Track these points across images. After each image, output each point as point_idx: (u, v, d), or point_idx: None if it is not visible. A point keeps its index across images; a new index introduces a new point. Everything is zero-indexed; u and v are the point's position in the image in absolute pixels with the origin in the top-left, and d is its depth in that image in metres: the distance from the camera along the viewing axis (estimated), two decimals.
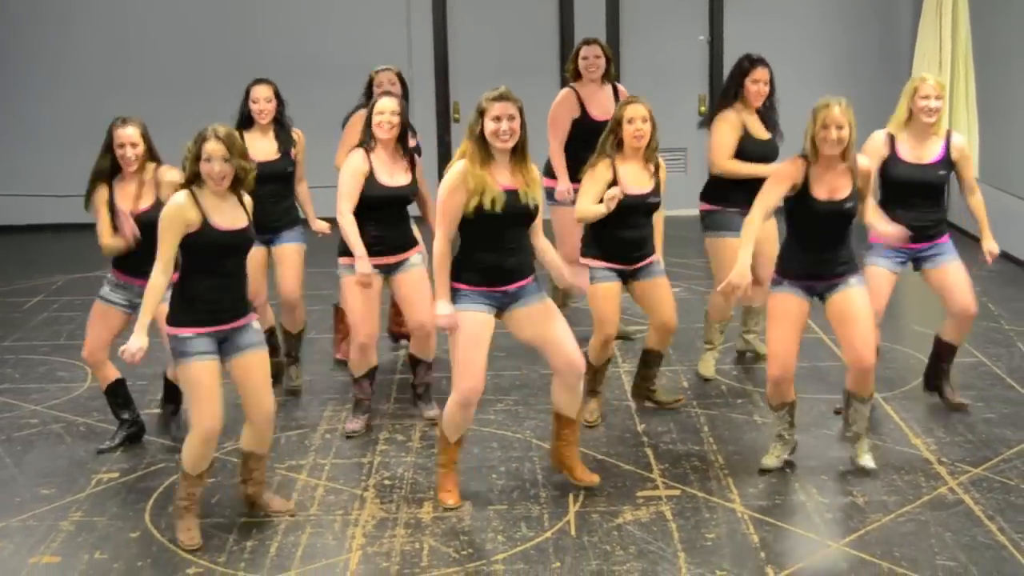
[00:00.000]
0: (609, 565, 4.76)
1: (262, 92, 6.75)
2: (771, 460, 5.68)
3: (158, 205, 5.57)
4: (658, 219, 6.22)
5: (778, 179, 5.41)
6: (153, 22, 11.81)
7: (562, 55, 11.83)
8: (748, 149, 6.62)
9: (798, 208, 5.42)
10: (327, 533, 5.10)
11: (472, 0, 11.94)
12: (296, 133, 6.90)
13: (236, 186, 4.99)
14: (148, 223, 5.49)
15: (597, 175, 6.00)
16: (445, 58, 11.83)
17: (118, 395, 6.21)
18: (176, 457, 5.54)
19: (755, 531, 5.03)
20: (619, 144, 6.02)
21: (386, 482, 5.62)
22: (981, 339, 7.57)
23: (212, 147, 4.86)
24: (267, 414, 5.12)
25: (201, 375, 4.90)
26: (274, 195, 6.63)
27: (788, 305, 5.48)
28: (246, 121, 6.75)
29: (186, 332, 4.94)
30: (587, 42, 7.48)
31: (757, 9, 11.78)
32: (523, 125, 5.16)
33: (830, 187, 5.37)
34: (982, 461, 5.68)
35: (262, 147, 6.67)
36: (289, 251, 6.80)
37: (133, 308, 5.98)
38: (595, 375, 6.29)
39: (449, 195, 5.12)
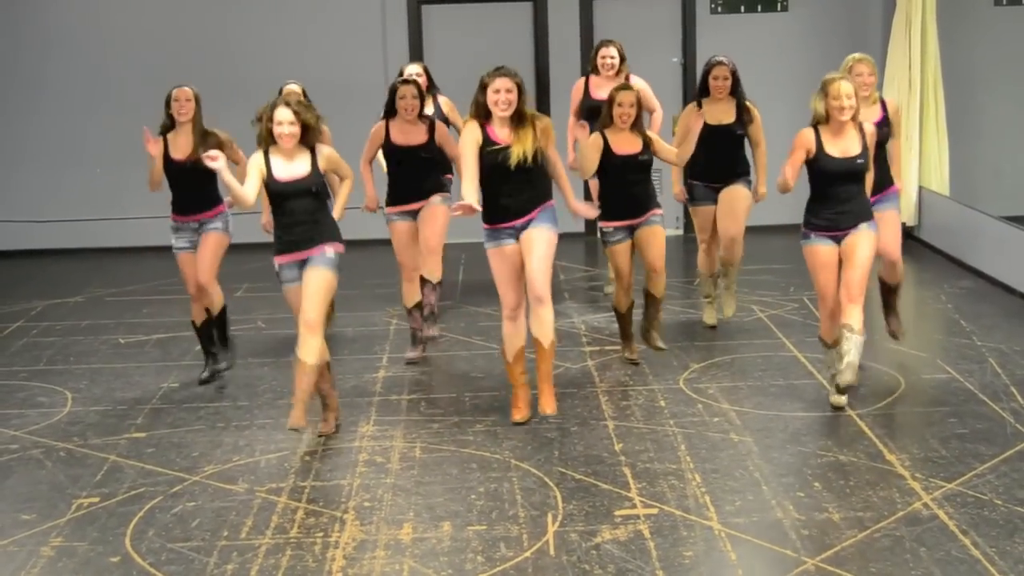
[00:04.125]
0: None
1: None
2: (840, 399, 6.70)
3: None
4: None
5: (797, 147, 6.55)
6: (132, 46, 11.83)
7: (536, 75, 11.93)
8: (705, 132, 7.62)
9: (815, 168, 6.53)
10: (307, 556, 5.12)
11: (447, 17, 12.02)
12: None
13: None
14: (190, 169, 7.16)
15: (593, 144, 7.28)
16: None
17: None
18: (153, 481, 5.53)
19: (732, 549, 5.08)
20: (611, 119, 7.33)
21: (366, 504, 5.64)
22: (954, 355, 7.66)
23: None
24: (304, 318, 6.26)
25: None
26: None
27: (820, 255, 6.57)
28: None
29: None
30: (605, 43, 9.07)
31: (729, 32, 11.89)
32: (522, 97, 6.41)
33: (842, 148, 6.49)
34: (956, 476, 5.75)
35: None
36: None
37: (195, 247, 7.34)
38: (620, 320, 7.65)
39: (461, 138, 6.53)
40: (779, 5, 12.01)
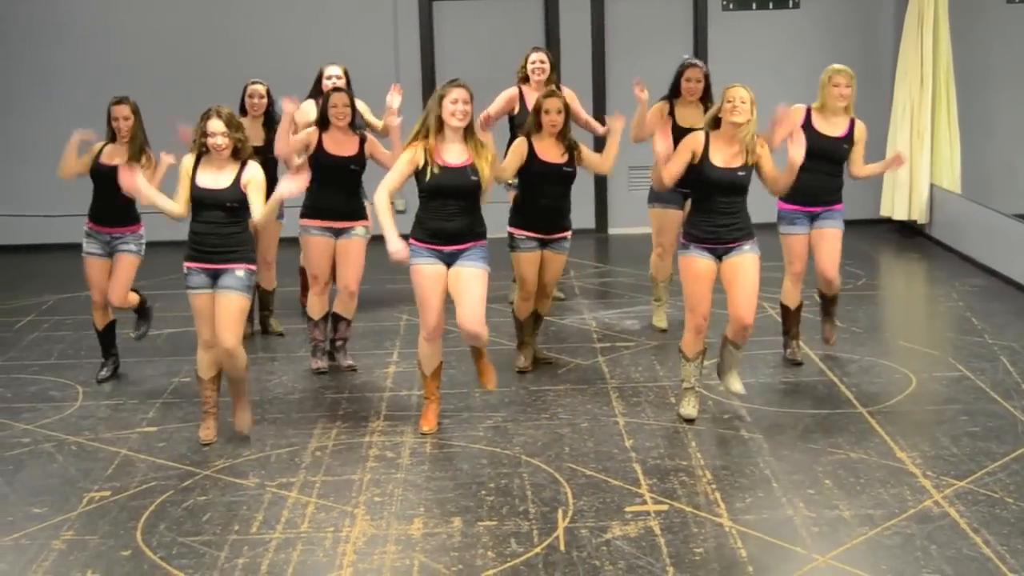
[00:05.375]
0: None
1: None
2: (692, 410, 6.54)
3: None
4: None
5: (683, 148, 6.38)
6: (141, 42, 11.84)
7: None
8: (675, 134, 7.25)
9: (699, 176, 6.31)
10: (318, 550, 5.13)
11: (459, 15, 12.02)
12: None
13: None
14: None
15: (517, 148, 7.13)
16: (432, 72, 11.89)
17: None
18: (166, 474, 5.55)
19: (743, 545, 5.07)
20: (539, 127, 7.13)
21: (376, 499, 5.65)
22: (965, 353, 7.64)
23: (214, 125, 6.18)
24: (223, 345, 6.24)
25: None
26: None
27: (696, 266, 6.36)
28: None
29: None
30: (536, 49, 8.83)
31: (741, 28, 11.88)
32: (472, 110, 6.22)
33: (727, 158, 6.30)
34: (967, 474, 5.74)
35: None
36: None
37: (105, 255, 7.49)
38: (521, 328, 7.50)
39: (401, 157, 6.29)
40: (791, 2, 11.97)
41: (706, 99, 7.92)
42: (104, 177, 7.22)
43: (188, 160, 6.30)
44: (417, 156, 6.21)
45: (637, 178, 11.74)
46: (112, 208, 7.33)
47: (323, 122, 7.34)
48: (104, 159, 7.30)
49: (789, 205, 7.30)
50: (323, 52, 11.60)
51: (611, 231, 12.01)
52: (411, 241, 6.26)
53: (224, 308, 6.22)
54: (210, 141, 6.18)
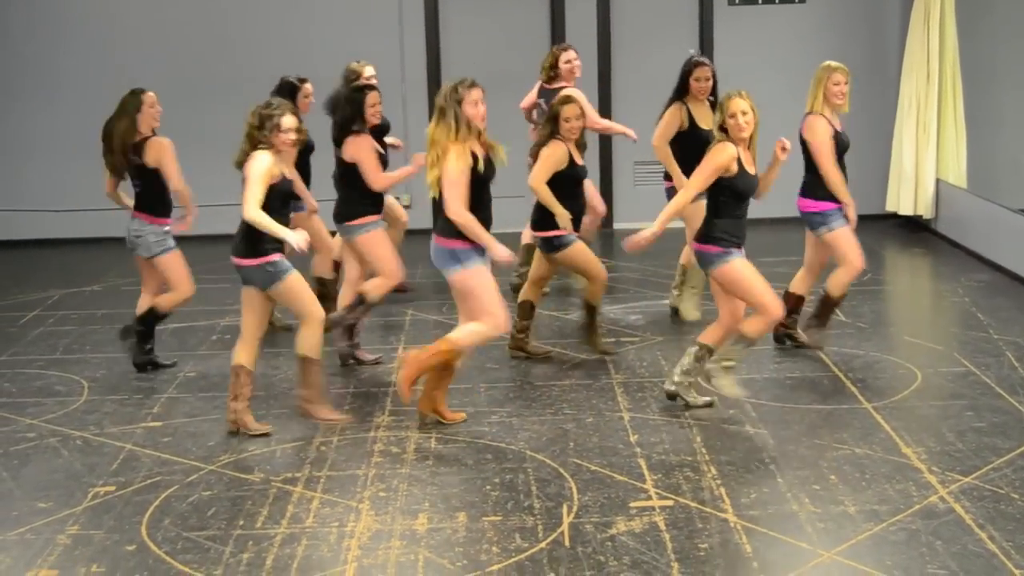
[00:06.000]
0: None
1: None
2: (739, 389, 6.62)
3: None
4: None
5: (723, 163, 6.37)
6: (145, 37, 11.84)
7: None
8: (693, 135, 7.70)
9: (738, 186, 6.38)
10: (323, 545, 5.14)
11: (464, 10, 12.00)
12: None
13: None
14: None
15: (556, 155, 7.33)
16: (437, 67, 11.88)
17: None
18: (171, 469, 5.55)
19: (748, 541, 5.07)
20: (558, 133, 7.36)
21: (381, 494, 5.65)
22: (970, 348, 7.63)
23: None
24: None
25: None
26: None
27: (750, 266, 6.45)
28: None
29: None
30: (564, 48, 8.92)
31: (746, 22, 11.85)
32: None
33: (750, 164, 6.42)
34: (972, 470, 5.73)
35: None
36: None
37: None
38: (593, 314, 7.64)
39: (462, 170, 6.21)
40: None
41: (713, 95, 7.91)
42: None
43: (267, 159, 6.22)
44: (468, 162, 6.19)
45: (642, 173, 11.74)
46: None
47: (359, 123, 7.37)
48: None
49: (832, 204, 7.28)
50: (327, 47, 11.64)
51: (616, 226, 11.99)
52: (461, 245, 6.23)
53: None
54: (285, 137, 6.23)
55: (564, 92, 7.98)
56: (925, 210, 11.02)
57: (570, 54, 8.75)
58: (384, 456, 6.13)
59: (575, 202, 7.42)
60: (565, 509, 5.42)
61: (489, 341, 6.58)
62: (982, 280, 9.48)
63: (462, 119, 6.17)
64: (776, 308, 6.48)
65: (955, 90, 10.80)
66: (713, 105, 7.76)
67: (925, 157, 10.90)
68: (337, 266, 8.29)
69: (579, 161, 7.45)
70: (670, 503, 5.46)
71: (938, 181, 10.95)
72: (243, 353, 6.41)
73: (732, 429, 6.39)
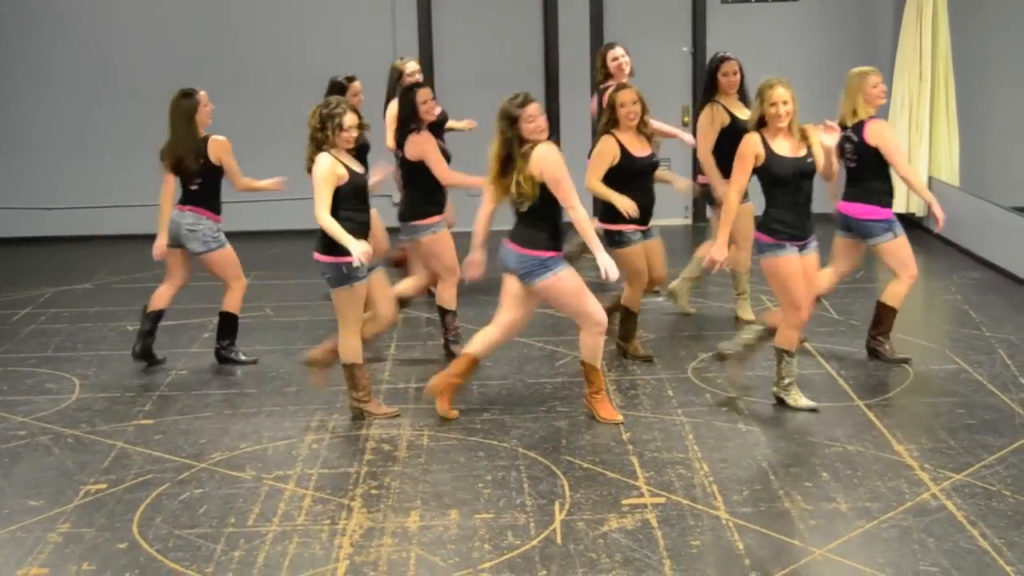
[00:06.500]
0: (595, 573, 4.79)
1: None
2: (808, 400, 6.55)
3: None
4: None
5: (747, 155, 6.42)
6: (140, 35, 11.83)
7: (546, 64, 11.90)
8: (735, 130, 7.53)
9: (771, 172, 6.35)
10: (314, 543, 5.13)
11: (457, 9, 11.99)
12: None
13: None
14: None
15: (607, 149, 7.17)
16: (430, 67, 11.86)
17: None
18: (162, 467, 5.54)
19: (740, 538, 5.07)
20: (616, 122, 7.18)
21: (373, 492, 5.64)
22: (962, 346, 7.63)
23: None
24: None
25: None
26: None
27: (797, 263, 6.41)
28: None
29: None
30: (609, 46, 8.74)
31: (739, 21, 11.86)
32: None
33: (787, 147, 6.38)
34: (964, 467, 5.73)
35: None
36: None
37: None
38: (629, 320, 7.55)
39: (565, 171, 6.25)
40: None
41: (741, 89, 7.93)
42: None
43: (327, 161, 6.23)
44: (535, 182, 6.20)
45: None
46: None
47: (415, 121, 7.33)
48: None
49: (891, 211, 7.24)
50: (320, 44, 11.65)
51: None
52: (551, 254, 6.30)
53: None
54: (348, 136, 6.25)
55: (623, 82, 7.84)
56: (917, 207, 11.02)
57: (616, 51, 8.58)
58: (376, 453, 6.12)
59: (641, 195, 7.17)
60: (557, 506, 5.42)
61: (598, 341, 6.44)
62: (974, 278, 9.49)
63: (514, 143, 6.21)
64: (796, 319, 6.42)
65: (948, 88, 10.80)
66: (744, 101, 7.87)
67: (917, 155, 10.90)
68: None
69: (639, 152, 7.17)
70: (662, 500, 5.45)
71: (930, 179, 10.95)
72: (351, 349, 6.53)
73: (724, 426, 6.38)
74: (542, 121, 6.24)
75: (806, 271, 6.43)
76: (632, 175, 7.16)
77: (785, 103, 6.27)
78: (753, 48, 11.61)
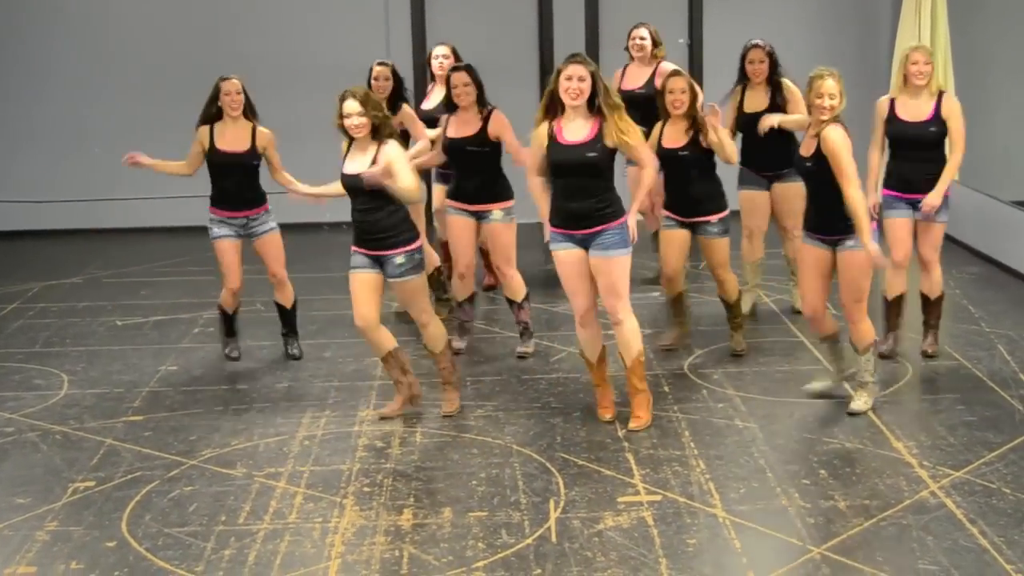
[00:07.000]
0: (590, 572, 4.73)
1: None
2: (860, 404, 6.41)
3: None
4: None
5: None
6: (133, 29, 11.74)
7: (541, 57, 11.83)
8: (741, 119, 7.72)
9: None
10: (306, 541, 5.06)
11: (451, 3, 11.92)
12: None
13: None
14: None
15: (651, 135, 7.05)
16: (423, 61, 11.79)
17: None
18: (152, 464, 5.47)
19: (737, 536, 5.01)
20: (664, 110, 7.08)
21: (365, 489, 5.58)
22: (962, 342, 7.58)
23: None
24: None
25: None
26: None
27: (812, 254, 6.42)
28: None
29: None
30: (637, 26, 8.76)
31: (736, 12, 11.78)
32: (596, 85, 5.93)
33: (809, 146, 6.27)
34: (964, 464, 5.68)
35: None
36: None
37: (238, 237, 7.29)
38: (671, 307, 7.62)
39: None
40: None
41: (772, 77, 7.74)
42: (227, 164, 7.20)
43: (343, 146, 6.21)
44: (541, 134, 6.08)
45: None
46: (241, 191, 7.25)
47: (450, 106, 7.26)
48: (222, 145, 7.20)
49: (886, 190, 7.15)
50: (314, 42, 11.57)
51: None
52: (552, 228, 6.15)
53: (400, 296, 6.48)
54: (347, 123, 6.04)
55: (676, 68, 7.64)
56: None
57: (637, 31, 8.54)
58: (368, 451, 6.06)
59: (674, 185, 7.11)
60: (552, 504, 5.36)
61: (578, 332, 6.39)
62: (973, 272, 9.44)
63: (547, 93, 6.04)
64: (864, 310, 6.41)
65: (947, 82, 10.73)
66: (775, 87, 7.70)
67: None
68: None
69: (669, 143, 6.99)
70: (658, 498, 5.40)
71: None
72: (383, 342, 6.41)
73: (721, 423, 6.33)
74: (576, 85, 5.91)
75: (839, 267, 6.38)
76: (664, 164, 6.91)
77: (832, 96, 6.11)
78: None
